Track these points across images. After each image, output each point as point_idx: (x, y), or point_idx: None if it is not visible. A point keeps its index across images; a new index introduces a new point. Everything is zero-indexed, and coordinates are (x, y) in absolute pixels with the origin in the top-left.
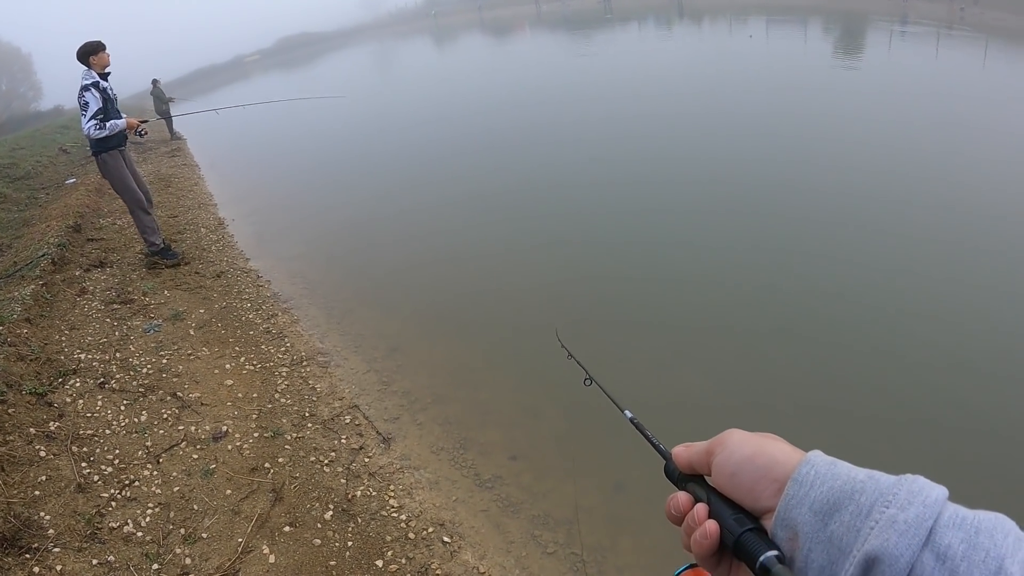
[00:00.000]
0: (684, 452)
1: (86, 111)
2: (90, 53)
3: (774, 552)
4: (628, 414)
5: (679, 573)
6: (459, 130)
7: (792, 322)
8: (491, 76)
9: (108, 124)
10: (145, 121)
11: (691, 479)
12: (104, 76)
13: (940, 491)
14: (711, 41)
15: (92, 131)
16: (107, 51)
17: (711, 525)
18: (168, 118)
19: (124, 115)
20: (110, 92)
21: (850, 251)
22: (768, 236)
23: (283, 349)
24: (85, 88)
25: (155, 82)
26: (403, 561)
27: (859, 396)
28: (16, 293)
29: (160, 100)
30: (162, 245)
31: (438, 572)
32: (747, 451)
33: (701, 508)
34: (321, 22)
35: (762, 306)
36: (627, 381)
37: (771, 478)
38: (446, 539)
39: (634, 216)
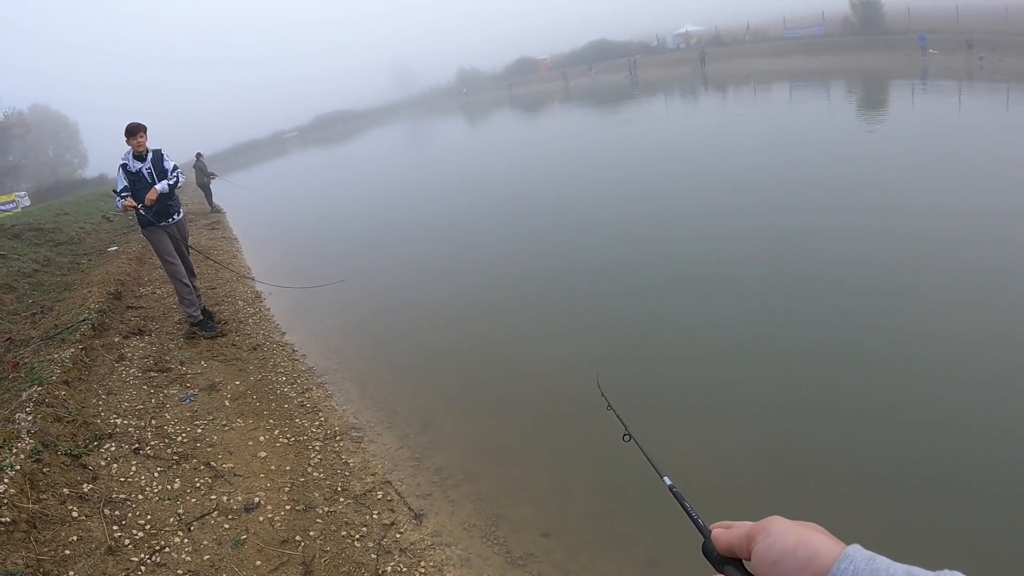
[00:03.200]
0: (724, 534)
1: (116, 187)
2: (127, 134)
3: None
4: (667, 481)
5: None
6: (490, 206)
7: (847, 393)
8: (521, 150)
9: (118, 202)
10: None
11: (729, 562)
12: (141, 157)
13: None
14: (739, 108)
15: (117, 205)
16: (144, 135)
17: None
18: (207, 191)
19: (172, 179)
20: (144, 171)
21: (913, 319)
22: (823, 304)
23: (317, 423)
24: (119, 166)
25: (199, 156)
26: None
27: (915, 475)
28: (56, 355)
29: (202, 173)
30: (200, 316)
31: None
32: (790, 541)
33: None
34: (356, 100)
35: (818, 375)
36: (664, 449)
37: (811, 571)
38: None
39: (677, 287)
